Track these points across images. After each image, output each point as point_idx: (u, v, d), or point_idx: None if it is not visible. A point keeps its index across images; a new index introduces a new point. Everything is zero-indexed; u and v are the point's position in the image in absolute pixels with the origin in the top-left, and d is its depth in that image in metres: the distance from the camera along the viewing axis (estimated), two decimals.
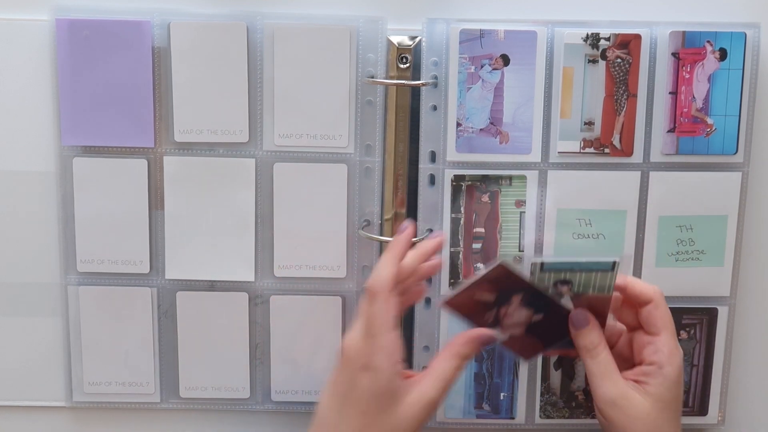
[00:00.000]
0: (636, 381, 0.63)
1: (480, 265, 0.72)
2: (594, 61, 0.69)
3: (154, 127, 0.71)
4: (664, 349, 0.63)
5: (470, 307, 0.64)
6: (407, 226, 0.66)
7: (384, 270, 0.61)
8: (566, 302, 0.63)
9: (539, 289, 0.63)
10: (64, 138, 0.71)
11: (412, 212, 0.71)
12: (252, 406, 0.75)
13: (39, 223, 0.72)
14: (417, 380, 0.61)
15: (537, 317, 0.64)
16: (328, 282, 0.73)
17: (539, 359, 0.73)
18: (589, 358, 0.63)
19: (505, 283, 0.62)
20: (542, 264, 0.62)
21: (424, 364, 0.73)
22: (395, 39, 0.69)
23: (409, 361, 0.73)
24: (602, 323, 0.64)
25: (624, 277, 0.64)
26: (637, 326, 0.65)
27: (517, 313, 0.64)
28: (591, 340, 0.63)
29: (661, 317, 0.64)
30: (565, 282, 0.62)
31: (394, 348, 0.60)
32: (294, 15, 0.70)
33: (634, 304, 0.65)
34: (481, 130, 0.70)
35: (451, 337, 0.73)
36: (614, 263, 0.61)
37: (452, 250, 0.71)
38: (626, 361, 0.65)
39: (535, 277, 0.62)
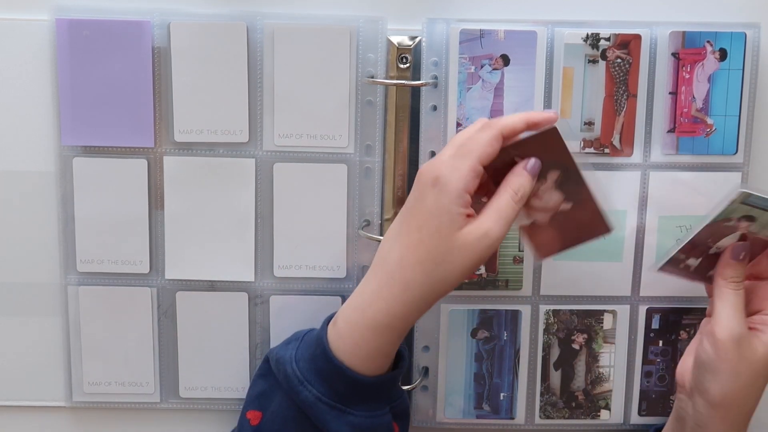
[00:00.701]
0: (752, 328, 0.63)
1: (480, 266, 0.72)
2: (594, 61, 0.69)
3: (154, 127, 0.71)
4: None
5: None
6: (556, 113, 0.63)
7: (510, 119, 0.61)
8: (732, 239, 0.64)
9: (578, 168, 0.62)
10: (64, 138, 0.71)
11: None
12: None
13: (39, 223, 0.72)
14: (478, 217, 0.60)
15: (566, 206, 0.64)
16: (328, 282, 0.73)
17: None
18: (732, 288, 0.63)
19: (550, 152, 0.61)
20: (749, 195, 0.61)
21: (425, 364, 0.73)
22: (395, 39, 0.69)
23: (409, 360, 0.73)
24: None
25: None
26: (763, 277, 0.66)
27: (548, 195, 0.63)
28: (739, 273, 0.64)
29: None
30: (751, 219, 0.62)
31: (472, 178, 0.59)
32: (294, 15, 0.70)
33: None
34: None
35: (451, 336, 0.73)
36: None
37: None
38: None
39: (733, 206, 0.62)
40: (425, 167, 0.61)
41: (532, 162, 0.62)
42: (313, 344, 0.63)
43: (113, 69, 0.69)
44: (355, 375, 0.61)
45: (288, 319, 0.73)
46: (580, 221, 0.64)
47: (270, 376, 0.66)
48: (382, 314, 0.61)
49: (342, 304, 0.72)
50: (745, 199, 0.61)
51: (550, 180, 0.63)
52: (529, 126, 0.61)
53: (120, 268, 0.72)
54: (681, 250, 0.66)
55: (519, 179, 0.61)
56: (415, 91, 0.70)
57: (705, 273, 0.66)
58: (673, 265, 0.67)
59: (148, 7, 0.69)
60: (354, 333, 0.61)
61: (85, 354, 0.73)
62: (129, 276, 0.72)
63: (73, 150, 0.71)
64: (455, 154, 0.60)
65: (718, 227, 0.63)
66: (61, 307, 0.73)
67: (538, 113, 0.62)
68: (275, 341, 0.73)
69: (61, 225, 0.72)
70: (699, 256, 0.66)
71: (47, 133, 0.71)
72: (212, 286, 0.73)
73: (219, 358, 0.73)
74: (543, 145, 0.61)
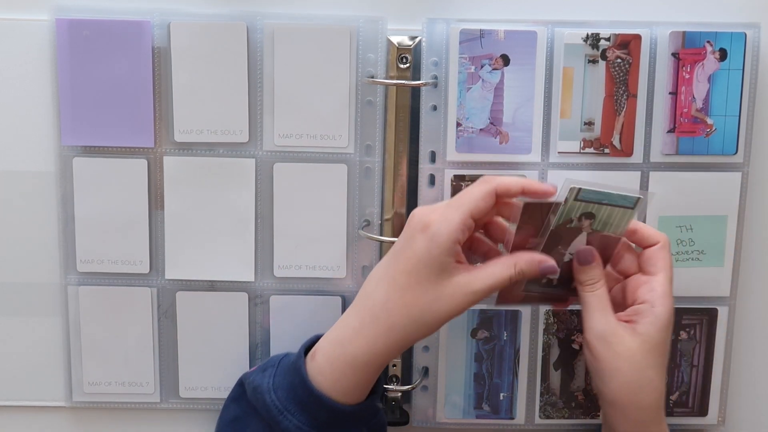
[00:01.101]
0: (627, 321, 0.63)
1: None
2: (594, 61, 0.69)
3: (154, 127, 0.71)
4: (658, 288, 0.63)
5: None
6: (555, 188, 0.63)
7: (511, 179, 0.61)
8: (580, 241, 0.63)
9: (560, 229, 0.62)
10: (64, 138, 0.71)
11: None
12: None
13: (39, 223, 0.72)
14: (468, 269, 0.61)
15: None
16: (328, 282, 0.73)
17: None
18: (587, 291, 0.63)
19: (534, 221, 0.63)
20: (579, 191, 0.61)
21: (425, 364, 0.73)
22: (395, 39, 0.69)
23: (408, 361, 0.73)
24: (604, 265, 0.64)
25: (636, 222, 0.64)
26: (634, 273, 0.66)
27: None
28: (592, 276, 0.63)
29: (663, 258, 0.64)
30: (590, 216, 0.62)
31: (463, 229, 0.60)
32: (294, 15, 0.70)
33: (639, 245, 0.65)
34: (481, 130, 0.70)
35: (451, 336, 0.73)
36: (638, 199, 0.62)
37: None
38: (618, 305, 0.65)
39: (568, 205, 0.62)
40: (418, 211, 0.61)
41: (547, 266, 0.62)
42: (291, 373, 0.63)
43: (113, 69, 0.69)
44: (336, 405, 0.62)
45: (288, 319, 0.73)
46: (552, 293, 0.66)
47: (243, 400, 0.67)
48: (362, 351, 0.61)
49: (342, 304, 0.72)
50: (578, 195, 0.61)
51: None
52: (525, 193, 0.62)
53: (120, 268, 0.72)
54: None
55: (528, 264, 0.61)
56: (415, 91, 0.70)
57: (570, 284, 0.65)
58: (534, 285, 0.65)
59: (148, 7, 0.69)
60: (334, 369, 0.62)
61: (85, 354, 0.73)
62: (129, 276, 0.72)
63: (73, 150, 0.71)
64: (449, 204, 0.61)
65: (562, 231, 0.63)
66: (61, 307, 0.73)
67: (536, 184, 0.62)
68: (275, 341, 0.73)
69: (61, 225, 0.72)
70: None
71: (47, 133, 0.71)
72: (212, 286, 0.73)
73: (219, 358, 0.73)
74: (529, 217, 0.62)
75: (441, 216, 0.60)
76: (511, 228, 0.63)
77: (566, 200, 0.61)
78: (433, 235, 0.59)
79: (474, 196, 0.61)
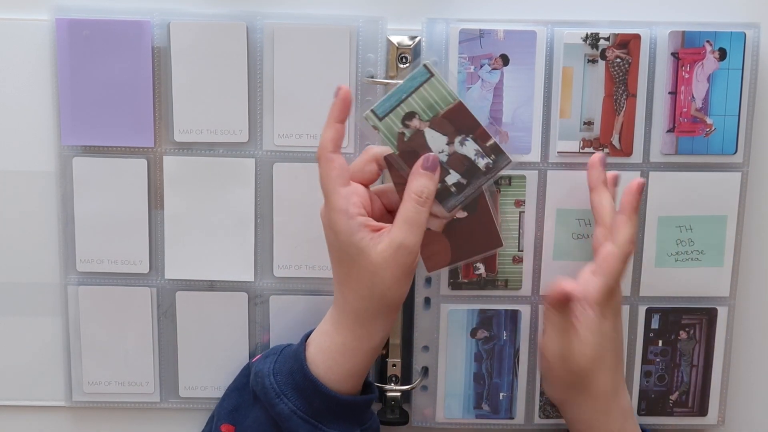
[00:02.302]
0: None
1: (480, 266, 0.72)
2: (593, 61, 0.69)
3: (154, 127, 0.71)
4: (592, 296, 0.66)
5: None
6: (340, 86, 0.64)
7: (323, 134, 0.62)
8: (433, 139, 0.62)
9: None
10: (64, 138, 0.71)
11: None
12: None
13: (39, 223, 0.72)
14: (385, 230, 0.62)
15: (462, 214, 0.65)
16: (327, 282, 0.73)
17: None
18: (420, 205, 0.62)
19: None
20: (373, 111, 0.62)
21: (424, 364, 0.73)
22: (395, 39, 0.69)
23: (408, 361, 0.73)
24: (481, 132, 0.63)
25: (628, 219, 0.66)
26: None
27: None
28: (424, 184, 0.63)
29: (609, 265, 0.65)
30: (409, 116, 0.62)
31: (347, 205, 0.61)
32: (294, 15, 0.70)
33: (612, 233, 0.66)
34: None
35: (451, 336, 0.73)
36: (425, 65, 0.62)
37: None
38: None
39: (381, 128, 0.62)
40: (320, 212, 0.63)
41: (429, 159, 0.62)
42: (291, 359, 0.65)
43: (113, 69, 0.69)
44: (331, 392, 0.63)
45: (288, 319, 0.73)
46: (473, 232, 0.65)
47: (245, 390, 0.68)
48: (349, 339, 0.64)
49: None
50: (378, 114, 0.62)
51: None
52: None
53: (120, 267, 0.72)
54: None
55: (419, 180, 0.62)
56: None
57: (475, 182, 0.64)
58: (448, 200, 0.64)
59: (148, 7, 0.69)
60: (326, 357, 0.64)
61: (85, 354, 0.73)
62: (129, 276, 0.72)
63: (73, 150, 0.71)
64: (323, 194, 0.62)
65: (409, 145, 0.62)
66: (61, 307, 0.73)
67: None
68: (275, 341, 0.73)
69: (60, 225, 0.72)
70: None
71: (47, 133, 0.71)
72: (212, 286, 0.73)
73: (219, 358, 0.73)
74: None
75: (331, 205, 0.62)
76: (390, 182, 0.64)
77: (375, 127, 0.62)
78: (333, 226, 0.62)
79: (333, 174, 0.62)
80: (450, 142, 0.63)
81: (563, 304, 0.63)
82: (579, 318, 0.65)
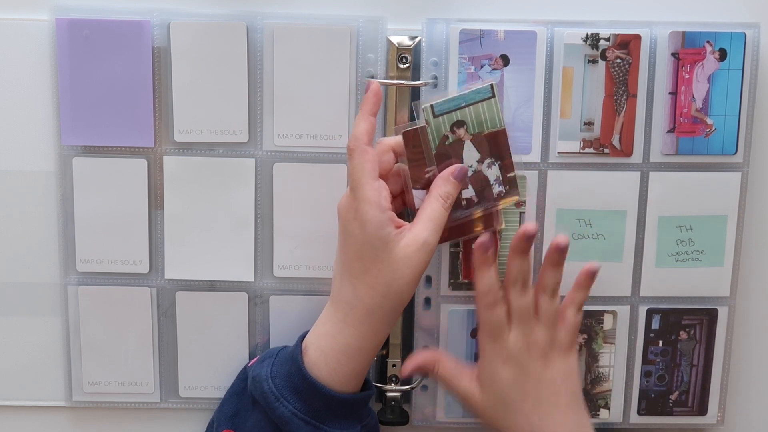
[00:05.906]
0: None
1: None
2: (594, 62, 0.69)
3: (154, 127, 0.71)
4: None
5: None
6: (370, 81, 0.66)
7: (357, 127, 0.63)
8: (470, 150, 0.65)
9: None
10: (63, 138, 0.71)
11: (411, 212, 0.71)
12: None
13: (39, 223, 0.72)
14: (409, 227, 0.63)
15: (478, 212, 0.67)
16: (327, 282, 0.72)
17: None
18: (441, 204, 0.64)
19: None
20: (432, 107, 0.64)
21: None
22: (395, 39, 0.69)
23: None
24: (508, 163, 0.65)
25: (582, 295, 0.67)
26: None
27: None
28: (447, 191, 0.64)
29: (565, 342, 0.67)
30: (460, 123, 0.64)
31: (379, 197, 0.62)
32: (294, 15, 0.70)
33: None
34: None
35: (451, 336, 0.73)
36: (491, 85, 0.64)
37: (452, 250, 0.71)
38: None
39: (432, 124, 0.64)
40: (341, 204, 0.64)
41: (461, 170, 0.64)
42: (288, 362, 0.65)
43: (113, 69, 0.69)
44: (331, 392, 0.63)
45: (288, 319, 0.73)
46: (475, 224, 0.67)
47: (244, 395, 0.68)
48: (353, 339, 0.63)
49: None
50: (435, 112, 0.64)
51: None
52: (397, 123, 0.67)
53: (119, 267, 0.72)
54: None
55: (447, 186, 0.64)
56: (415, 91, 0.70)
57: (487, 195, 0.66)
58: (458, 212, 0.66)
59: (148, 7, 0.69)
60: (329, 360, 0.64)
61: (84, 354, 0.73)
62: (128, 276, 0.73)
63: (73, 150, 0.71)
64: (355, 185, 0.62)
65: (446, 150, 0.65)
66: (61, 307, 0.73)
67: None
68: (275, 341, 0.73)
69: (60, 225, 0.72)
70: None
71: (47, 133, 0.71)
72: (212, 286, 0.73)
73: (219, 358, 0.73)
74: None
75: (362, 196, 0.62)
76: (405, 166, 0.65)
77: (427, 121, 0.64)
78: (361, 216, 0.62)
79: (367, 166, 0.62)
80: (480, 161, 0.65)
81: (427, 372, 0.69)
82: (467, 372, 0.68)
